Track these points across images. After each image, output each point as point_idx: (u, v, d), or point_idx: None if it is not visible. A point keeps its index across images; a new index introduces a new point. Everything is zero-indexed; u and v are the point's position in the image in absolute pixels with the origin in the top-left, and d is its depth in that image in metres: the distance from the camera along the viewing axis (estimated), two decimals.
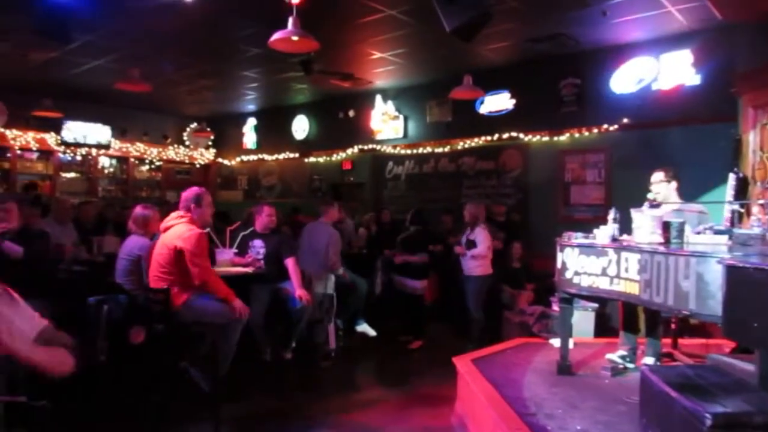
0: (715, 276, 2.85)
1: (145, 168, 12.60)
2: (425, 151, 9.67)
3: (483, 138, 8.84)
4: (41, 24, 5.10)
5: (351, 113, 10.67)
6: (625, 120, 7.38)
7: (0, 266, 4.11)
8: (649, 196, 4.30)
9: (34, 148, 10.74)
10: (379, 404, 4.83)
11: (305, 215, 9.25)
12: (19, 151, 10.55)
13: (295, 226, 8.13)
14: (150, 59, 8.17)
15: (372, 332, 6.85)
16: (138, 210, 4.95)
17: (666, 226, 3.48)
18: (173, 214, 4.52)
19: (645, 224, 3.68)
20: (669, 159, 6.25)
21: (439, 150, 9.50)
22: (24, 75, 9.10)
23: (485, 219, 7.60)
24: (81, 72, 8.93)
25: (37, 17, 5.05)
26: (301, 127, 11.66)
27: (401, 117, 10.00)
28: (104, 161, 11.90)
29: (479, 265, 6.34)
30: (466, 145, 9.10)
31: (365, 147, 10.49)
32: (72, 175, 11.46)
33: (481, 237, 6.31)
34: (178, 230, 4.35)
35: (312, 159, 11.48)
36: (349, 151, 10.73)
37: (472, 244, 6.32)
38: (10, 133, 10.29)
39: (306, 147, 11.57)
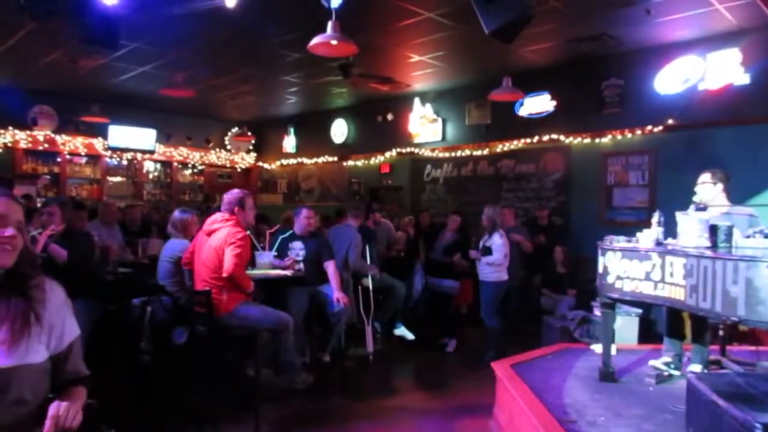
0: (765, 281, 2.76)
1: (188, 172, 12.87)
2: (464, 154, 9.62)
3: (523, 140, 8.75)
4: (90, 31, 5.25)
5: (389, 117, 10.69)
6: (671, 121, 7.20)
7: (46, 269, 4.25)
8: (695, 198, 4.18)
9: (83, 153, 11.08)
10: (417, 408, 4.82)
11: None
12: (68, 156, 10.91)
13: None
14: (193, 65, 8.35)
15: (410, 336, 6.85)
16: (176, 214, 5.03)
17: (713, 230, 3.38)
18: (216, 216, 4.47)
19: (691, 228, 3.59)
20: (717, 160, 6.09)
21: (478, 153, 9.43)
22: (73, 82, 9.41)
23: (522, 223, 7.55)
24: (127, 78, 9.18)
25: (86, 25, 5.20)
26: (339, 130, 11.74)
27: (439, 120, 9.98)
28: (149, 165, 12.20)
29: (494, 272, 6.20)
30: (506, 148, 9.02)
31: (403, 150, 10.49)
32: (118, 179, 11.78)
33: (498, 244, 6.14)
34: (225, 233, 4.30)
35: (351, 162, 11.54)
36: (388, 154, 10.75)
37: (488, 251, 6.16)
38: (60, 138, 10.65)
39: (345, 150, 11.64)
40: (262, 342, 4.50)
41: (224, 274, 4.22)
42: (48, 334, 1.73)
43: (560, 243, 7.50)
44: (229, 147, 13.41)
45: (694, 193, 4.27)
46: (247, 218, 4.56)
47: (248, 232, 4.69)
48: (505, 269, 6.26)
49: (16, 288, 1.68)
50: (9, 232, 1.67)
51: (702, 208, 3.95)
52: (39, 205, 9.00)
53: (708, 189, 4.20)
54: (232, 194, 4.56)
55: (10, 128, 10.11)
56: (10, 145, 10.14)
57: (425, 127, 10.12)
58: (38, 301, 1.72)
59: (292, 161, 12.82)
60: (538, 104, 8.47)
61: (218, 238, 4.32)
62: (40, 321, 1.70)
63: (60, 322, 1.78)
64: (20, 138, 10.24)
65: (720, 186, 4.19)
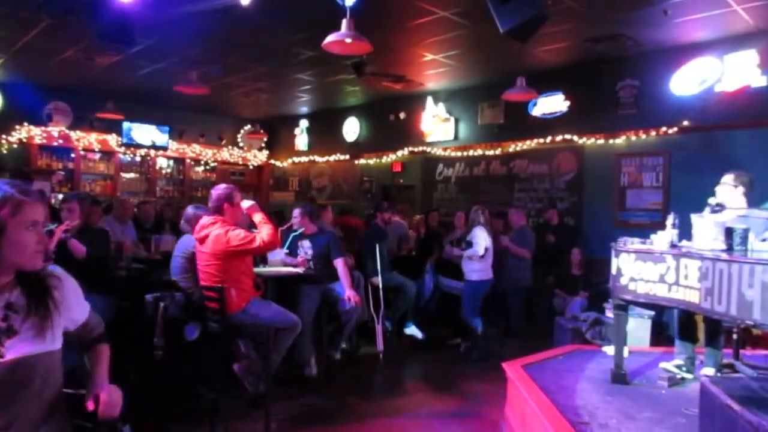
0: None
1: (201, 169, 12.92)
2: (476, 154, 9.59)
3: (536, 140, 8.71)
4: (105, 29, 5.29)
5: (402, 115, 10.69)
6: (686, 122, 7.15)
7: (64, 263, 4.28)
8: (710, 200, 4.14)
9: (97, 149, 11.16)
10: (427, 407, 4.81)
11: (355, 216, 9.33)
12: (82, 152, 10.99)
13: (344, 228, 8.17)
14: (207, 62, 8.38)
15: (420, 335, 6.85)
16: (189, 210, 5.03)
17: (729, 233, 3.35)
18: (204, 221, 4.33)
19: (706, 230, 3.57)
20: (733, 163, 6.03)
21: (491, 152, 9.40)
22: (88, 78, 9.47)
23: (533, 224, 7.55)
24: (142, 75, 9.23)
25: (101, 22, 5.24)
26: (352, 129, 11.75)
27: (452, 119, 9.96)
28: (162, 162, 12.27)
29: (476, 270, 6.27)
30: (518, 148, 8.99)
31: (415, 149, 10.48)
32: (132, 175, 11.86)
33: (478, 238, 6.23)
34: (217, 236, 4.18)
35: (362, 161, 11.55)
36: (400, 153, 10.75)
37: (469, 245, 6.28)
38: (74, 135, 10.74)
39: (357, 149, 11.65)
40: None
41: (265, 245, 4.18)
42: (66, 317, 1.81)
43: (575, 245, 7.48)
44: (241, 144, 13.47)
45: (709, 195, 4.23)
46: (236, 215, 4.39)
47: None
48: (488, 268, 6.33)
49: (34, 278, 1.73)
50: (49, 241, 1.77)
51: (717, 210, 3.92)
52: (53, 201, 9.12)
53: (728, 191, 4.15)
54: (218, 190, 4.37)
55: (26, 124, 10.21)
56: (25, 140, 10.24)
57: (438, 126, 10.10)
58: (55, 288, 1.77)
59: (304, 159, 12.85)
60: (551, 104, 8.43)
61: (213, 243, 4.21)
62: (59, 307, 1.76)
63: (75, 303, 1.87)
64: (35, 134, 10.34)
65: (741, 189, 4.14)
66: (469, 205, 9.00)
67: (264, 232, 4.22)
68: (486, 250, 6.24)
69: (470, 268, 6.32)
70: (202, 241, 4.31)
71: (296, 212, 5.78)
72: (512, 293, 7.32)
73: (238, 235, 4.17)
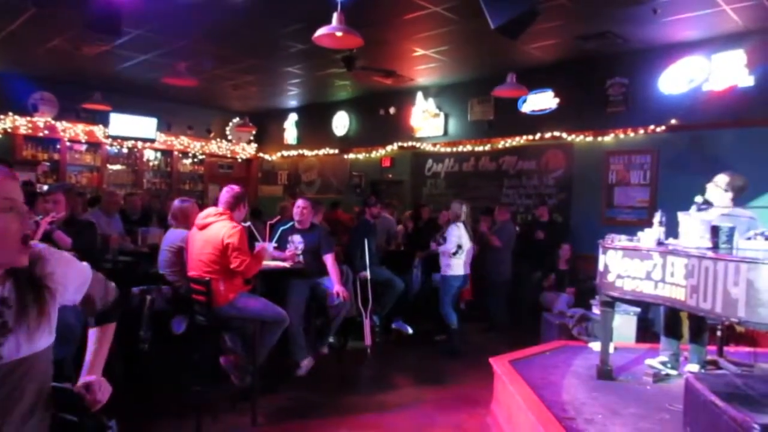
0: (767, 283, 2.76)
1: (189, 161, 12.82)
2: (465, 150, 9.60)
3: (525, 137, 8.73)
4: (92, 18, 5.23)
5: (392, 110, 10.66)
6: (674, 121, 7.19)
7: None
8: (696, 198, 4.17)
9: (83, 140, 11.02)
10: (414, 402, 4.81)
11: (344, 211, 9.33)
12: (68, 143, 10.85)
13: (333, 222, 8.16)
14: (196, 54, 8.31)
15: (408, 330, 6.86)
16: (176, 204, 5.00)
17: (715, 231, 3.38)
18: (210, 210, 4.47)
19: (693, 228, 3.60)
20: (719, 162, 6.10)
21: (480, 148, 9.42)
22: (75, 69, 9.37)
23: (522, 220, 7.58)
24: (129, 66, 9.14)
25: (88, 11, 5.18)
26: (341, 123, 11.72)
27: (442, 115, 9.96)
28: (149, 154, 12.16)
29: (449, 265, 6.32)
30: (508, 144, 9.01)
31: (405, 144, 10.47)
32: (118, 167, 11.74)
33: (451, 235, 6.28)
34: (221, 227, 4.28)
35: (352, 155, 11.52)
36: (389, 148, 10.73)
37: (445, 240, 6.33)
38: (60, 125, 10.60)
39: (346, 143, 11.62)
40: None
41: (242, 271, 4.28)
42: (64, 298, 1.68)
43: (565, 241, 7.53)
44: (230, 137, 13.38)
45: (696, 194, 4.27)
46: (242, 214, 4.60)
47: (247, 224, 4.72)
48: (465, 264, 6.38)
49: (23, 271, 1.56)
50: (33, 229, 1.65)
51: (704, 208, 3.96)
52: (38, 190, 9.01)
53: (717, 193, 4.18)
54: (233, 190, 4.53)
55: (11, 114, 10.06)
56: (10, 131, 10.08)
57: (427, 121, 10.10)
58: (46, 275, 1.60)
59: (293, 153, 12.80)
60: (541, 101, 8.46)
61: (213, 233, 4.28)
62: (55, 295, 1.62)
63: (71, 279, 1.70)
64: (20, 124, 10.19)
65: (729, 195, 4.15)
66: None
67: (254, 261, 4.36)
68: (459, 247, 6.27)
69: (444, 263, 6.36)
70: (202, 227, 4.38)
71: (303, 202, 5.75)
72: (492, 287, 7.38)
73: (243, 240, 4.29)
